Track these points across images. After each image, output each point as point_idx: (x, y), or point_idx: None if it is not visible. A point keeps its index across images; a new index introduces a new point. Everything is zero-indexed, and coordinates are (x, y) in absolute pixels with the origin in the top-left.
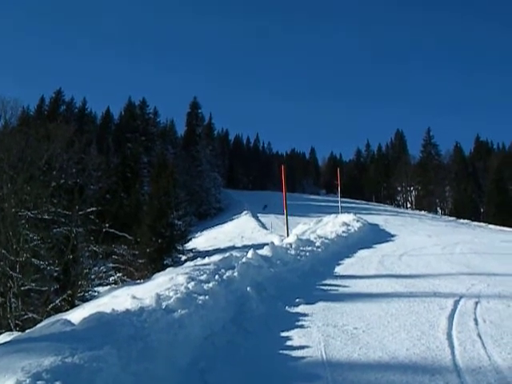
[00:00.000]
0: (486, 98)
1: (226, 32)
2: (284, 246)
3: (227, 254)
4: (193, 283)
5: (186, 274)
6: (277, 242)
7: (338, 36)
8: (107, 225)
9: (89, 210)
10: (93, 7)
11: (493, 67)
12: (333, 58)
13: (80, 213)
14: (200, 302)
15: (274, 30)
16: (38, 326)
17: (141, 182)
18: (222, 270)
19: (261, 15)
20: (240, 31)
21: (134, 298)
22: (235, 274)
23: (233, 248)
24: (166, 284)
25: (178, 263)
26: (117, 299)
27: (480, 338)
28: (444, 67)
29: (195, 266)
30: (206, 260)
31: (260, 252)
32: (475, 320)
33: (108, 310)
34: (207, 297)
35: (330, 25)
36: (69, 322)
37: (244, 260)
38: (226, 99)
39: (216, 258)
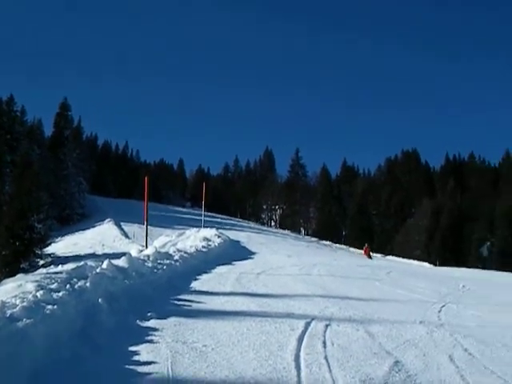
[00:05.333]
0: (353, 125)
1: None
2: (141, 257)
3: (81, 263)
4: (42, 292)
5: (36, 281)
6: (134, 254)
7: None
8: None
9: None
10: None
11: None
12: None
13: None
14: (48, 311)
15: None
16: None
17: (2, 182)
18: (75, 280)
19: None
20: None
21: None
22: (87, 284)
23: (93, 255)
24: (14, 291)
25: (35, 268)
26: None
27: (327, 360)
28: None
29: (47, 273)
30: (59, 268)
31: (116, 263)
32: (324, 343)
33: None
34: (56, 306)
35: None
36: None
37: (98, 270)
38: (96, 103)
39: (70, 266)
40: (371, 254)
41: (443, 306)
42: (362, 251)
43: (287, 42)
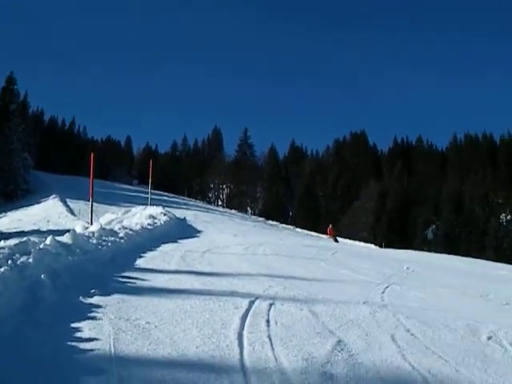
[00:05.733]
0: (303, 105)
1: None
2: (86, 234)
3: (25, 239)
4: None
5: None
6: (79, 230)
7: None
8: None
9: None
10: None
11: (307, 79)
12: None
13: None
14: None
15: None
16: None
17: None
18: (17, 255)
19: None
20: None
21: None
22: (30, 260)
23: (37, 232)
24: None
25: None
26: None
27: (270, 339)
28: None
29: None
30: (1, 243)
31: (60, 239)
32: (267, 321)
33: None
34: None
35: None
36: None
37: (41, 246)
38: (43, 78)
39: (12, 242)
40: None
41: (387, 287)
42: (327, 233)
43: (237, 22)
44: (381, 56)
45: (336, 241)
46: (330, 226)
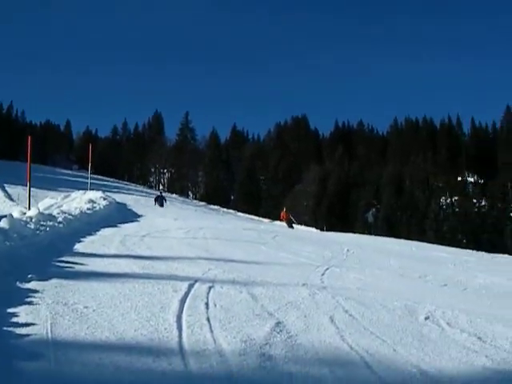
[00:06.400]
0: (244, 90)
1: None
2: (24, 219)
3: None
4: None
5: None
6: (17, 215)
7: None
8: None
9: None
10: None
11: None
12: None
13: None
14: None
15: None
16: None
17: None
18: None
19: None
20: None
21: None
22: None
23: None
24: None
25: None
26: None
27: (209, 321)
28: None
29: None
30: None
31: None
32: (206, 304)
33: None
34: None
35: None
36: None
37: None
38: None
39: None
40: (293, 220)
41: (327, 269)
42: (279, 217)
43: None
44: (322, 38)
45: (291, 226)
46: (284, 209)
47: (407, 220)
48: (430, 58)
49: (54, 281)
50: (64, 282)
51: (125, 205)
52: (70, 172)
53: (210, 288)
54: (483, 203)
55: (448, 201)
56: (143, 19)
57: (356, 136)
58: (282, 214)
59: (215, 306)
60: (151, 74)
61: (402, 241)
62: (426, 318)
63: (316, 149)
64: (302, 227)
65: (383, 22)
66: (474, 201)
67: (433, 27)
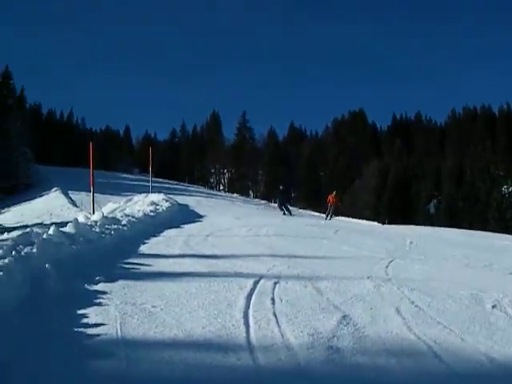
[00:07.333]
0: (300, 86)
1: None
2: (89, 223)
3: (28, 230)
4: None
5: None
6: (82, 220)
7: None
8: None
9: None
10: None
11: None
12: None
13: None
14: None
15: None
16: None
17: None
18: (21, 246)
19: None
20: None
21: None
22: (34, 250)
23: (41, 225)
24: None
25: None
26: None
27: (275, 316)
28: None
29: None
30: (5, 235)
31: (63, 229)
32: (272, 299)
33: None
34: (1, 273)
35: None
36: None
37: (45, 236)
38: (40, 70)
39: (15, 233)
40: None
41: (391, 261)
42: (327, 200)
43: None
44: (376, 32)
45: (329, 216)
46: (334, 192)
47: (469, 210)
48: (486, 45)
49: (121, 282)
50: (131, 282)
51: (187, 206)
52: (131, 176)
53: (275, 284)
54: None
55: (510, 189)
56: (204, 20)
57: (414, 128)
58: (330, 197)
59: (281, 301)
60: (207, 74)
61: (465, 231)
62: (493, 307)
63: (374, 142)
64: (364, 221)
65: (436, 16)
66: None
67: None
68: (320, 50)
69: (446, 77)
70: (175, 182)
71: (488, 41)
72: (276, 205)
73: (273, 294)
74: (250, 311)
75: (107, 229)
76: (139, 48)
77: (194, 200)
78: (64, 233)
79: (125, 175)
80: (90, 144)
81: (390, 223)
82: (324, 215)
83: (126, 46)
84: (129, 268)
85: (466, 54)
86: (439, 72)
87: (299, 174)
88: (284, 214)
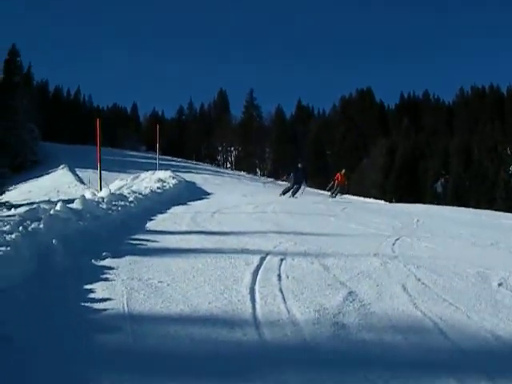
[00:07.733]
0: (308, 64)
1: None
2: (96, 199)
3: (35, 206)
4: None
5: None
6: (89, 196)
7: None
8: None
9: None
10: None
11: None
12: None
13: None
14: (0, 253)
15: None
16: None
17: None
18: (28, 222)
19: None
20: None
21: None
22: (41, 225)
23: (48, 202)
24: None
25: None
26: None
27: (282, 292)
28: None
29: None
30: (12, 211)
31: (70, 205)
32: (279, 276)
33: None
34: (9, 248)
35: None
36: None
37: (52, 212)
38: (47, 47)
39: (23, 209)
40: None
41: (397, 239)
42: (335, 178)
43: None
44: (383, 13)
45: (333, 194)
46: (343, 171)
47: (476, 189)
48: (495, 21)
49: (127, 258)
50: (137, 258)
51: (194, 183)
52: (138, 153)
53: (281, 260)
54: None
55: None
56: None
57: (422, 107)
58: (339, 174)
59: (287, 277)
60: (215, 55)
61: (472, 210)
62: (500, 285)
63: (382, 121)
64: (371, 200)
65: None
66: None
67: None
68: (328, 27)
69: (453, 56)
70: (182, 160)
71: (497, 20)
72: (287, 182)
73: (279, 270)
74: (257, 287)
75: (114, 205)
76: (146, 25)
77: (201, 177)
78: (71, 209)
79: (132, 152)
80: (97, 121)
81: (397, 202)
82: (328, 192)
83: (132, 22)
84: (135, 244)
85: (475, 33)
86: (447, 50)
87: (306, 152)
88: (293, 196)
